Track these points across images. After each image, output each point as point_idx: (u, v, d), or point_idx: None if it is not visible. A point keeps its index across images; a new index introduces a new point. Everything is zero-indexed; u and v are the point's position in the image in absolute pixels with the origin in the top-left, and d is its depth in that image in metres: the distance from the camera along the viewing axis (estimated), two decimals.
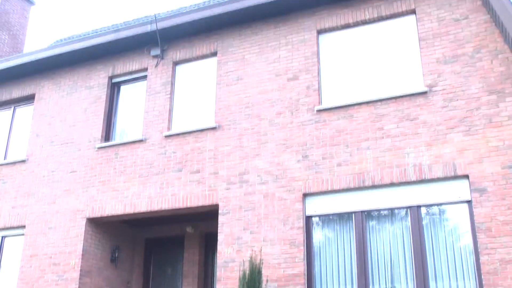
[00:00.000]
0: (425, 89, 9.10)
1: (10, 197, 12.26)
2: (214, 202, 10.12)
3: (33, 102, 13.21)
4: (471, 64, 8.99)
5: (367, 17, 10.11)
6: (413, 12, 9.84)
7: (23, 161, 12.46)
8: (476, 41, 9.09)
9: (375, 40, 10.06)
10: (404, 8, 9.86)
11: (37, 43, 41.46)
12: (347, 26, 10.30)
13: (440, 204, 8.64)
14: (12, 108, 13.53)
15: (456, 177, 8.54)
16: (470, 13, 9.31)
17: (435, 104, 9.01)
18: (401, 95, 9.26)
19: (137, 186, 10.94)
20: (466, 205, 8.43)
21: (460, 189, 8.50)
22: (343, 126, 9.52)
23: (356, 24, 10.25)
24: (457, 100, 8.89)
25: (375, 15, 10.05)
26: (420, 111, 9.07)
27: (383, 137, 9.18)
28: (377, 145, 9.18)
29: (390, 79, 9.66)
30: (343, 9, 10.35)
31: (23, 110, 13.42)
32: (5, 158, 13.02)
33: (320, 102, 9.94)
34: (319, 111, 9.80)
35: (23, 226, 11.90)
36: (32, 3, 16.58)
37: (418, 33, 9.61)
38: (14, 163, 12.58)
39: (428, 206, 8.71)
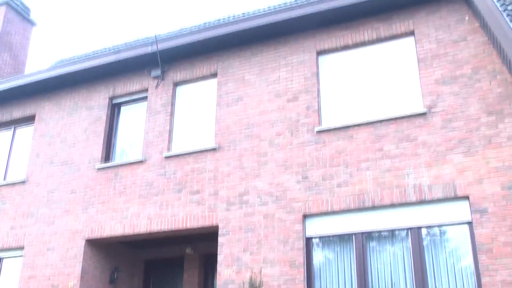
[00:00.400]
0: (424, 110, 9.13)
1: (9, 218, 12.21)
2: (214, 223, 10.08)
3: (33, 123, 13.23)
4: (469, 85, 9.04)
5: (366, 38, 10.18)
6: (411, 33, 9.91)
7: (23, 182, 12.44)
8: (475, 62, 9.15)
9: (374, 61, 10.12)
10: (403, 30, 9.94)
11: (38, 63, 41.70)
12: (346, 47, 10.37)
13: (441, 225, 8.62)
14: (12, 129, 13.55)
15: (456, 198, 8.53)
16: (469, 35, 9.38)
17: (435, 125, 9.03)
18: (401, 116, 9.29)
19: (136, 207, 10.91)
20: (466, 226, 8.40)
21: (460, 210, 8.48)
22: (343, 147, 9.53)
23: (355, 45, 10.32)
24: (456, 121, 8.92)
25: (374, 37, 10.13)
26: (420, 131, 9.09)
27: (383, 158, 9.18)
28: (377, 165, 9.18)
29: (389, 100, 9.70)
30: (342, 30, 10.43)
31: (24, 131, 13.44)
32: (4, 178, 13.00)
33: (320, 123, 9.96)
34: (319, 132, 9.82)
35: (22, 247, 11.83)
36: (33, 24, 16.69)
37: (417, 54, 9.67)
38: (13, 183, 12.56)
39: (429, 227, 8.69)
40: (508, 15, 9.04)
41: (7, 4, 15.67)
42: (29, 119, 13.35)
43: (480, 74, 9.03)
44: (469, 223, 8.36)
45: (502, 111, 8.66)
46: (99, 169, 11.64)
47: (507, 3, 9.48)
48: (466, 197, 8.46)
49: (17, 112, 13.39)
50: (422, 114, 9.17)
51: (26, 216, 12.02)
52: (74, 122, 12.47)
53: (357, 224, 9.09)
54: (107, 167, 11.56)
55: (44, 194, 12.04)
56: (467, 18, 9.49)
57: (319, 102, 10.14)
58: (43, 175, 12.25)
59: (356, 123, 9.57)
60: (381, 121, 9.43)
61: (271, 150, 10.09)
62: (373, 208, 9.03)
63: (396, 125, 9.31)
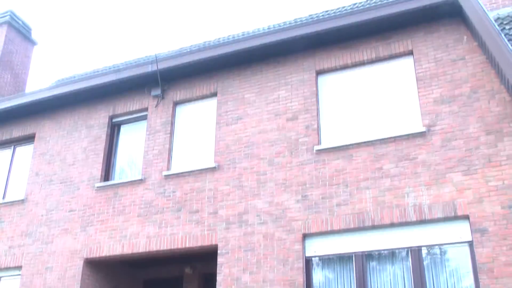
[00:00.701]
0: (424, 129, 9.15)
1: (7, 237, 12.16)
2: (213, 243, 10.04)
3: (33, 142, 13.25)
4: (468, 104, 9.07)
5: (365, 58, 10.24)
6: (410, 53, 9.97)
7: (22, 201, 12.42)
8: (473, 81, 9.19)
9: (373, 81, 10.16)
10: (401, 49, 10.00)
11: (39, 82, 41.87)
12: (345, 67, 10.43)
13: (441, 245, 8.58)
14: (12, 147, 13.56)
15: (456, 218, 8.50)
16: (467, 54, 9.44)
17: (434, 144, 9.04)
18: (400, 135, 9.30)
19: (135, 226, 10.87)
20: (467, 245, 8.37)
21: (460, 230, 8.45)
22: (343, 166, 9.53)
23: (355, 65, 10.37)
24: (456, 140, 8.93)
25: (373, 56, 10.18)
26: (419, 151, 9.10)
27: (382, 177, 9.18)
28: (376, 185, 9.17)
29: (388, 119, 9.72)
30: (342, 50, 10.49)
31: (23, 150, 13.45)
32: (3, 197, 12.97)
33: (319, 142, 9.97)
34: (318, 151, 9.82)
35: (20, 267, 11.76)
36: (35, 43, 16.80)
37: (416, 74, 9.72)
38: (12, 202, 12.53)
39: (429, 246, 8.65)
40: (506, 34, 9.12)
41: (9, 23, 15.78)
42: (29, 138, 13.37)
43: (479, 93, 9.06)
44: (470, 243, 8.32)
45: (501, 130, 8.67)
46: (98, 188, 11.62)
47: (504, 23, 9.57)
48: (466, 217, 8.43)
49: (17, 131, 13.41)
50: (422, 133, 9.18)
51: (24, 235, 11.98)
52: (74, 141, 12.49)
53: (357, 244, 9.06)
54: (107, 186, 11.55)
55: (43, 213, 12.01)
56: (465, 38, 9.55)
57: (318, 122, 10.16)
58: (42, 194, 12.23)
59: (356, 143, 9.58)
60: (380, 141, 9.44)
61: (271, 169, 10.09)
62: (373, 227, 9.00)
63: (395, 144, 9.32)
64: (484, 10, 8.98)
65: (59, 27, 42.71)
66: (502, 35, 8.68)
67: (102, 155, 11.98)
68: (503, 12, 10.13)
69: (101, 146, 12.08)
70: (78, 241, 11.31)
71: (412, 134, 9.24)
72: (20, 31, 16.17)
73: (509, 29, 9.35)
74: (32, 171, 12.67)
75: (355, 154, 9.54)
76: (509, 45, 8.42)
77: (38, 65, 40.31)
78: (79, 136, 12.47)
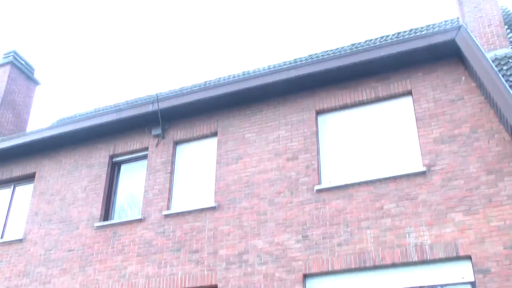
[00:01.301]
0: (424, 168, 9.16)
1: (4, 277, 12.02)
2: (213, 283, 9.92)
3: (33, 181, 13.23)
4: (468, 144, 9.10)
5: (365, 98, 10.33)
6: (409, 93, 10.06)
7: (20, 240, 12.32)
8: (472, 121, 9.24)
9: (373, 120, 10.22)
10: (400, 89, 10.09)
11: (41, 120, 42.07)
12: (345, 106, 10.51)
13: (443, 285, 8.48)
14: (12, 187, 13.54)
15: (458, 258, 8.44)
16: (465, 94, 9.53)
17: (434, 183, 9.03)
18: (400, 174, 9.31)
19: (134, 266, 10.77)
20: (469, 286, 8.27)
21: (463, 270, 8.37)
22: (343, 206, 9.50)
23: (354, 104, 10.45)
24: (456, 179, 8.93)
25: (373, 96, 10.27)
26: (420, 190, 9.09)
27: (383, 217, 9.14)
28: (377, 224, 9.12)
29: (389, 159, 9.74)
30: (341, 90, 10.58)
31: (23, 189, 13.41)
32: (1, 237, 12.88)
33: (319, 182, 9.96)
34: (318, 190, 9.81)
35: None
36: (37, 83, 16.93)
37: (415, 114, 9.78)
38: (10, 242, 12.44)
39: (431, 287, 8.54)
40: (503, 75, 9.22)
41: (12, 63, 15.95)
42: (29, 177, 13.35)
43: (478, 133, 9.11)
44: (472, 283, 8.23)
45: (502, 170, 8.68)
46: (97, 227, 11.55)
47: (502, 64, 9.68)
48: (468, 257, 8.37)
49: (17, 170, 13.41)
50: (422, 173, 9.19)
51: (22, 275, 11.84)
52: (74, 180, 12.47)
53: (358, 284, 8.95)
54: (106, 226, 11.48)
55: (41, 252, 11.90)
56: (463, 78, 9.66)
57: (318, 161, 10.18)
58: (41, 234, 12.14)
59: (356, 182, 9.57)
60: (380, 180, 9.44)
61: (271, 209, 10.05)
62: (374, 267, 8.91)
63: (396, 183, 9.32)
64: (481, 51, 9.11)
65: (62, 66, 43.18)
66: (500, 75, 8.78)
67: (102, 194, 11.95)
68: (500, 52, 10.26)
69: (101, 185, 12.06)
70: (77, 281, 11.18)
71: (412, 173, 9.24)
72: (23, 71, 16.34)
73: (507, 69, 9.46)
74: (31, 211, 12.62)
75: (355, 194, 9.52)
76: (507, 86, 8.51)
77: (40, 104, 40.60)
78: (79, 175, 12.46)
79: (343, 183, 9.65)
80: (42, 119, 41.42)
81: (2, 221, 13.13)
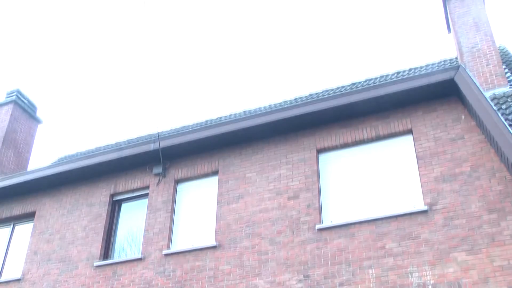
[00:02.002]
0: (425, 207, 9.13)
1: None
2: None
3: (33, 219, 13.16)
4: (469, 183, 9.09)
5: (365, 136, 10.37)
6: (409, 132, 10.11)
7: (18, 280, 12.19)
8: (473, 160, 9.25)
9: (374, 159, 10.23)
10: (401, 128, 10.14)
11: (42, 159, 42.10)
12: (346, 145, 10.54)
13: None
14: (12, 225, 13.46)
15: None
16: (465, 133, 9.56)
17: (436, 222, 8.99)
18: (402, 213, 9.27)
19: None
20: None
21: None
22: (345, 245, 9.43)
23: (355, 143, 10.48)
24: (458, 218, 8.89)
25: (373, 135, 10.31)
26: (422, 229, 9.03)
27: (385, 256, 9.06)
28: (379, 264, 9.04)
29: (390, 198, 9.72)
30: (342, 128, 10.63)
31: (23, 227, 13.34)
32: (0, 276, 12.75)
33: (321, 221, 9.92)
34: (320, 229, 9.75)
35: None
36: (39, 122, 17.01)
37: (416, 152, 9.81)
38: (8, 282, 12.30)
39: None
40: (502, 114, 9.26)
41: (15, 102, 16.07)
42: (29, 216, 13.29)
43: (479, 172, 9.10)
44: None
45: (504, 209, 8.65)
46: (97, 266, 11.44)
47: (501, 103, 9.74)
48: None
49: (17, 209, 13.35)
50: (423, 212, 9.15)
51: None
52: (74, 219, 12.42)
53: None
54: (106, 265, 11.38)
55: None
56: (463, 117, 9.71)
57: (319, 200, 10.15)
58: (40, 273, 12.02)
59: (357, 221, 9.52)
60: (382, 219, 9.40)
61: (272, 249, 9.97)
62: None
63: (397, 222, 9.27)
64: (480, 90, 9.19)
65: (63, 105, 43.49)
66: (499, 114, 8.83)
67: (102, 233, 11.88)
68: (499, 91, 10.33)
69: (101, 224, 12.00)
70: None
71: (414, 212, 9.20)
72: (26, 110, 16.44)
73: (506, 108, 9.51)
74: (31, 250, 12.52)
75: (357, 233, 9.46)
76: (507, 125, 8.55)
77: (41, 142, 40.72)
78: (80, 214, 12.41)
79: (344, 222, 9.60)
80: (44, 157, 41.48)
81: (1, 260, 13.02)
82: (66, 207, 12.70)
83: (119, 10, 44.01)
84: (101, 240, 11.79)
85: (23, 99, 16.46)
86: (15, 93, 16.22)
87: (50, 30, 44.24)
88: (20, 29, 42.99)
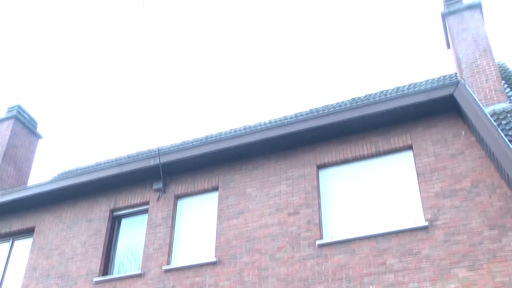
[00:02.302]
0: (426, 223, 9.11)
1: None
2: None
3: (32, 235, 13.11)
4: (470, 199, 9.07)
5: (365, 152, 10.37)
6: (410, 147, 10.11)
7: None
8: (473, 176, 9.25)
9: (374, 175, 10.23)
10: (401, 144, 10.15)
11: (42, 174, 42.08)
12: (346, 161, 10.54)
13: None
14: (11, 241, 13.40)
15: None
16: (465, 149, 9.57)
17: (437, 238, 8.96)
18: (402, 229, 9.24)
19: None
20: None
21: None
22: (345, 261, 9.39)
23: (355, 159, 10.48)
24: (459, 234, 8.86)
25: (373, 151, 10.32)
26: (422, 245, 9.00)
27: (386, 272, 9.02)
28: (380, 280, 8.99)
29: (390, 213, 9.70)
30: (342, 144, 10.64)
31: (22, 243, 13.28)
32: None
33: (321, 237, 9.88)
34: (320, 245, 9.72)
35: None
36: (40, 137, 17.01)
37: (416, 168, 9.80)
38: None
39: None
40: (502, 129, 9.28)
41: (15, 117, 16.09)
42: (28, 232, 13.24)
43: (480, 187, 9.09)
44: None
45: (505, 225, 8.63)
46: (96, 282, 11.39)
47: (500, 118, 9.76)
48: None
49: (16, 225, 13.31)
50: (424, 228, 9.12)
51: None
52: (73, 234, 12.38)
53: None
54: (105, 281, 11.32)
55: None
56: (463, 133, 9.73)
57: (320, 216, 10.12)
58: None
59: (358, 237, 9.49)
60: (383, 235, 9.37)
61: (272, 265, 9.93)
62: None
63: (398, 238, 9.24)
64: (480, 106, 9.21)
65: (64, 120, 43.56)
66: (499, 130, 8.84)
67: (101, 249, 11.84)
68: (499, 107, 10.36)
69: (101, 240, 11.96)
70: None
71: (414, 228, 9.18)
72: (26, 125, 16.46)
73: (505, 124, 9.53)
74: (30, 265, 12.46)
75: (357, 249, 9.43)
76: (507, 141, 8.56)
77: (41, 157, 40.73)
78: (79, 230, 12.37)
79: (345, 238, 9.57)
80: (44, 172, 41.45)
81: (0, 277, 12.94)
82: (65, 223, 12.67)
83: (119, 26, 44.26)
84: (100, 255, 11.74)
85: (23, 114, 16.48)
86: (15, 108, 16.25)
87: (51, 45, 44.44)
88: (21, 44, 43.21)
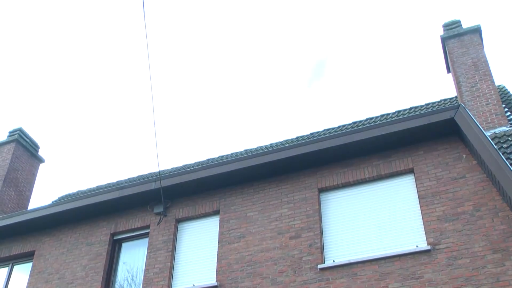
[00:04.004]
0: (428, 247, 9.05)
1: None
2: None
3: (32, 259, 13.02)
4: (472, 222, 9.03)
5: (367, 176, 10.35)
6: (411, 171, 10.10)
7: None
8: (475, 199, 9.22)
9: (375, 198, 10.20)
10: (402, 167, 10.13)
11: (43, 197, 41.99)
12: (347, 184, 10.51)
13: None
14: (10, 265, 13.31)
15: None
16: (467, 172, 9.55)
17: (440, 262, 8.90)
18: (405, 253, 9.18)
19: None
20: None
21: None
22: (347, 285, 9.31)
23: (356, 183, 10.46)
24: (462, 258, 8.80)
25: (375, 174, 10.30)
26: (425, 269, 8.93)
27: None
28: None
29: (392, 237, 9.64)
30: (343, 168, 10.63)
31: (21, 267, 13.18)
32: None
33: (323, 261, 9.82)
34: (322, 269, 9.65)
35: None
36: (41, 161, 17.02)
37: (418, 192, 9.78)
38: None
39: None
40: (504, 153, 9.28)
41: (17, 141, 16.12)
42: (28, 255, 13.15)
43: (482, 211, 9.06)
44: None
45: (508, 249, 8.57)
46: None
47: (501, 142, 9.77)
48: None
49: (16, 248, 13.23)
50: (426, 251, 9.06)
51: None
52: (74, 258, 12.30)
53: None
54: None
55: None
56: (464, 156, 9.72)
57: (321, 239, 10.07)
58: None
59: (360, 260, 9.43)
60: (385, 258, 9.31)
61: None
62: None
63: (400, 262, 9.17)
64: (480, 130, 9.22)
65: (65, 144, 43.61)
66: (500, 153, 8.83)
67: (102, 273, 11.75)
68: (499, 130, 10.38)
69: (101, 263, 11.88)
70: None
71: (417, 252, 9.12)
72: (27, 148, 16.48)
73: (507, 147, 9.54)
74: None
75: (359, 273, 9.35)
76: (508, 164, 8.55)
77: (43, 180, 40.68)
78: (79, 254, 12.30)
79: (347, 262, 9.51)
80: (45, 196, 41.36)
81: None
82: (66, 246, 12.60)
83: (117, 46, 44.60)
84: (101, 279, 11.65)
85: (25, 138, 16.52)
86: (17, 132, 16.30)
87: (52, 70, 44.73)
88: (23, 69, 43.51)
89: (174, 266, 11.24)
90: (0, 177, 15.41)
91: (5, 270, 13.31)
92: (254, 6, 42.78)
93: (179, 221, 11.78)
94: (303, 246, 10.08)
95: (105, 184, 16.67)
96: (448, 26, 12.93)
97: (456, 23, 12.89)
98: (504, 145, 9.63)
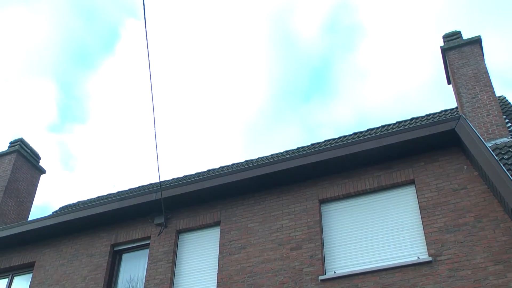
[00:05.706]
0: (430, 258, 9.02)
1: None
2: None
3: (32, 270, 12.98)
4: (473, 234, 9.00)
5: (368, 187, 10.34)
6: (412, 182, 10.08)
7: None
8: (477, 210, 9.19)
9: (376, 209, 10.18)
10: (403, 178, 10.12)
11: (44, 208, 41.92)
12: (348, 195, 10.50)
13: None
14: (10, 276, 13.26)
15: None
16: (468, 183, 9.53)
17: (441, 273, 8.86)
18: (406, 264, 9.15)
19: None
20: None
21: None
22: None
23: (357, 194, 10.45)
24: (463, 269, 8.76)
25: (376, 185, 10.29)
26: (426, 281, 8.90)
27: None
28: None
29: (393, 248, 9.61)
30: (344, 179, 10.62)
31: (21, 278, 13.14)
32: None
33: (324, 272, 9.78)
34: (323, 280, 9.61)
35: None
36: (42, 172, 17.01)
37: (419, 203, 9.76)
38: None
39: None
40: (505, 164, 9.27)
41: (18, 152, 16.13)
42: (28, 266, 13.11)
43: (483, 222, 9.03)
44: None
45: (509, 260, 8.53)
46: None
47: (502, 153, 9.77)
48: None
49: (16, 259, 13.20)
50: (428, 263, 9.03)
51: None
52: (74, 269, 12.26)
53: None
54: None
55: None
56: (465, 167, 9.71)
57: (323, 251, 10.04)
58: None
59: (361, 272, 9.40)
60: (386, 270, 9.27)
61: None
62: None
63: (401, 273, 9.14)
64: (481, 140, 9.22)
65: (67, 154, 43.62)
66: (501, 165, 8.83)
67: (102, 284, 11.71)
68: (500, 141, 10.38)
69: (101, 275, 11.84)
70: None
71: (418, 263, 9.08)
72: (28, 159, 16.49)
73: (508, 158, 9.53)
74: None
75: (361, 284, 9.32)
76: (509, 175, 8.54)
77: (43, 191, 40.65)
78: (80, 264, 12.26)
79: (348, 273, 9.48)
80: (45, 206, 41.30)
81: None
82: (66, 257, 12.56)
83: (120, 54, 44.74)
84: None
85: (26, 149, 16.53)
86: (18, 143, 16.32)
87: (53, 78, 44.84)
88: (23, 79, 43.64)
89: (175, 277, 11.20)
90: (1, 188, 15.40)
91: (5, 281, 13.27)
92: (254, 6, 42.93)
93: (180, 232, 11.76)
94: (304, 257, 10.04)
95: (106, 195, 16.66)
96: (448, 37, 12.97)
97: (457, 34, 12.93)
98: (505, 156, 9.63)
